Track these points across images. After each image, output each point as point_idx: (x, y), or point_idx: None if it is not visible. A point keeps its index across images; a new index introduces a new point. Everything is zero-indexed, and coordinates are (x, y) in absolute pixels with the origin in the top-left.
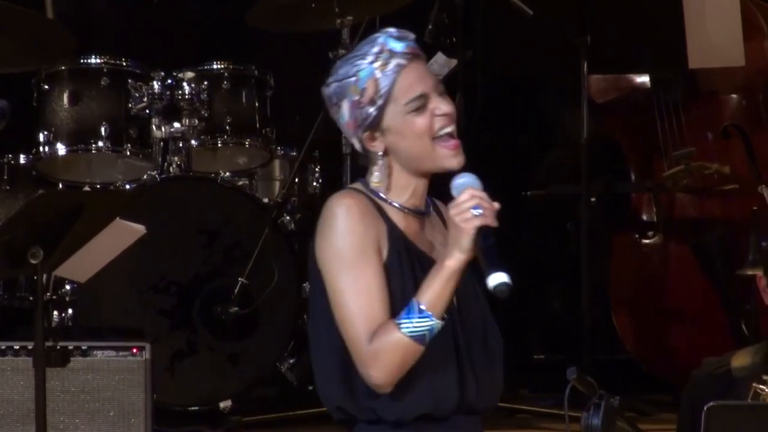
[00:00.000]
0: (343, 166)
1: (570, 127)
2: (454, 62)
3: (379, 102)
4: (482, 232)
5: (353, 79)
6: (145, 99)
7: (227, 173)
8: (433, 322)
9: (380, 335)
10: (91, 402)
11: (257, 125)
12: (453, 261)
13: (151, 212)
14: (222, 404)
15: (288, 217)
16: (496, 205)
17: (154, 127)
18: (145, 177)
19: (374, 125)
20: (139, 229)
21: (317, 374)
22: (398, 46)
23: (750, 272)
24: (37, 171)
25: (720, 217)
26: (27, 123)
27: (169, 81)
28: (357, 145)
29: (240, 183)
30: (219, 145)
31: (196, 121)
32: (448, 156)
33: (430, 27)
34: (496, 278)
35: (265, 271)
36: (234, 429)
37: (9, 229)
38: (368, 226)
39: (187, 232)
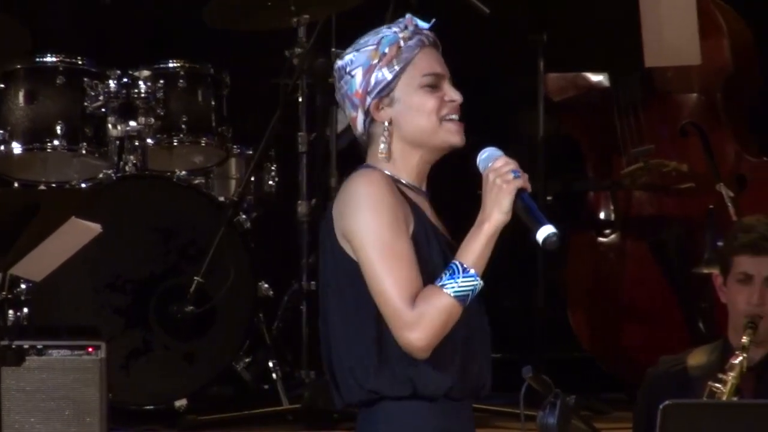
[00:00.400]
0: (299, 164)
1: (527, 126)
2: None
3: (396, 68)
4: (519, 194)
5: (374, 45)
6: (101, 98)
7: (183, 172)
8: (477, 282)
9: (424, 298)
10: (46, 401)
11: (213, 124)
12: (493, 222)
13: (106, 211)
14: (177, 403)
15: (244, 216)
16: (525, 174)
17: (110, 125)
18: (100, 176)
19: (385, 92)
20: (95, 227)
21: (342, 357)
22: (425, 26)
23: (706, 270)
24: None
25: (677, 216)
26: None
27: (125, 79)
28: (360, 120)
29: (196, 182)
30: (175, 143)
31: (152, 120)
32: (453, 131)
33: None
34: (545, 230)
35: (220, 269)
36: (189, 428)
37: None
38: (396, 198)
39: (142, 231)
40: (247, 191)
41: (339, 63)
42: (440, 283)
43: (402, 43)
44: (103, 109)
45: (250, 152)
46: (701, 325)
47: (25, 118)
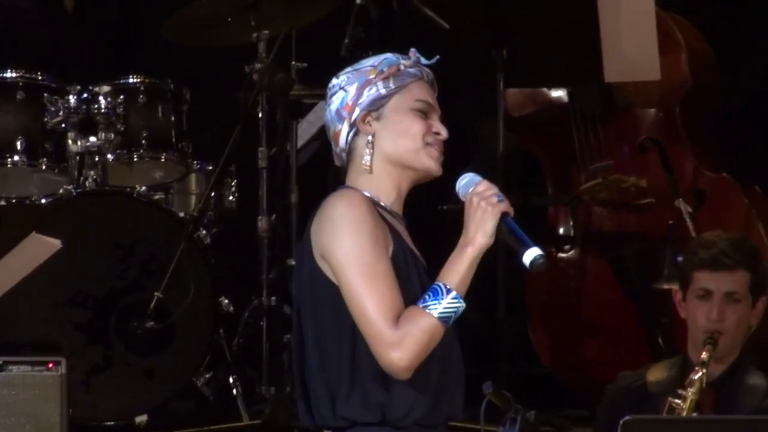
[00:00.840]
0: (259, 180)
1: (486, 141)
2: None
3: (392, 86)
4: (503, 218)
5: (375, 64)
6: (61, 113)
7: (143, 187)
8: (461, 304)
9: (407, 319)
10: (6, 417)
11: (173, 139)
12: (476, 245)
13: (67, 226)
14: (138, 419)
15: (204, 232)
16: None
17: (70, 141)
18: (61, 191)
19: (375, 106)
20: (55, 243)
21: (316, 379)
22: (426, 63)
23: (666, 286)
24: None
25: (637, 231)
26: None
27: (85, 95)
28: (344, 133)
29: (156, 197)
30: (135, 159)
31: (113, 135)
32: (434, 157)
33: (346, 41)
34: (532, 253)
35: (181, 285)
36: None
37: None
38: (377, 220)
39: (103, 246)
40: (207, 207)
41: (333, 81)
42: (423, 304)
43: (402, 67)
44: (63, 125)
45: (210, 168)
46: (661, 340)
47: None
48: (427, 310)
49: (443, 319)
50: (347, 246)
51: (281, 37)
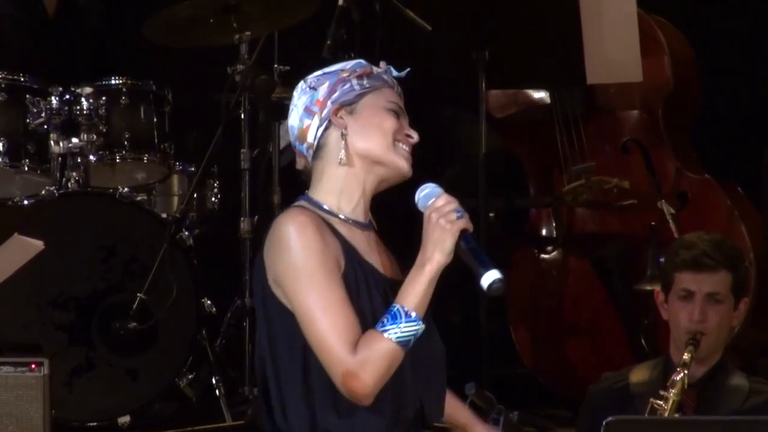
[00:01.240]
0: (241, 181)
1: (469, 142)
2: None
3: (366, 84)
4: (462, 235)
5: (348, 66)
6: (44, 114)
7: (126, 188)
8: (420, 326)
9: (365, 345)
10: None
11: (156, 140)
12: (434, 263)
13: (49, 228)
14: (120, 420)
15: (186, 233)
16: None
17: (52, 142)
18: (43, 192)
19: (349, 101)
20: (38, 244)
21: (273, 397)
22: (398, 74)
23: (648, 287)
24: None
25: (619, 232)
26: None
27: (68, 96)
28: (313, 127)
29: (138, 198)
30: (117, 160)
31: (95, 137)
32: (404, 156)
33: (328, 42)
34: (490, 276)
35: (163, 286)
36: None
37: None
38: (325, 241)
39: (85, 248)
40: (189, 208)
41: (301, 84)
42: (381, 328)
43: (375, 70)
44: (45, 126)
45: (193, 169)
46: (643, 341)
47: None
48: (386, 335)
49: (402, 342)
50: (297, 273)
51: (263, 38)
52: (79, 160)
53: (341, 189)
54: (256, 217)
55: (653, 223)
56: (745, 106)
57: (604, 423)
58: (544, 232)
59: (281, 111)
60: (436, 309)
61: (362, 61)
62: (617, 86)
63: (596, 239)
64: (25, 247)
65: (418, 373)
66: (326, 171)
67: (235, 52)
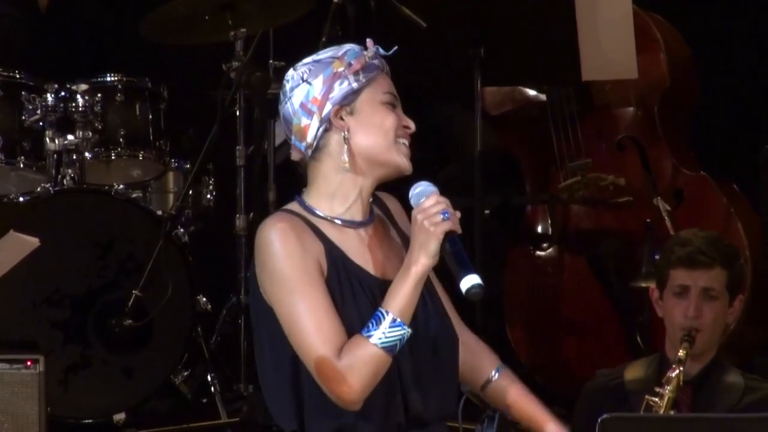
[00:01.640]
0: (237, 178)
1: (465, 140)
2: None
3: (363, 79)
4: (448, 237)
5: (337, 56)
6: (39, 111)
7: (121, 186)
8: (405, 331)
9: (350, 350)
10: None
11: (151, 138)
12: (419, 266)
13: (44, 225)
14: (116, 417)
15: (182, 230)
16: (457, 212)
17: (47, 139)
18: (38, 189)
19: (348, 100)
20: (33, 241)
21: (269, 401)
22: (385, 53)
23: (644, 284)
24: None
25: (615, 229)
26: None
27: (63, 93)
28: (313, 128)
29: (134, 195)
30: (113, 157)
31: (90, 134)
32: (405, 154)
33: (323, 40)
34: (469, 281)
35: (158, 283)
36: None
37: None
38: (306, 247)
39: (81, 245)
40: (185, 205)
41: (291, 73)
42: (366, 333)
43: (366, 58)
44: (40, 123)
45: (188, 166)
46: (638, 339)
47: None
48: (371, 340)
49: (387, 348)
50: (280, 280)
51: (258, 35)
52: (74, 157)
53: (336, 191)
54: (252, 214)
55: (649, 221)
56: (741, 103)
57: (599, 420)
58: (539, 229)
59: (276, 108)
60: None
61: (354, 47)
62: (613, 83)
63: (592, 236)
64: (21, 244)
65: (418, 372)
66: (323, 172)
67: (231, 49)
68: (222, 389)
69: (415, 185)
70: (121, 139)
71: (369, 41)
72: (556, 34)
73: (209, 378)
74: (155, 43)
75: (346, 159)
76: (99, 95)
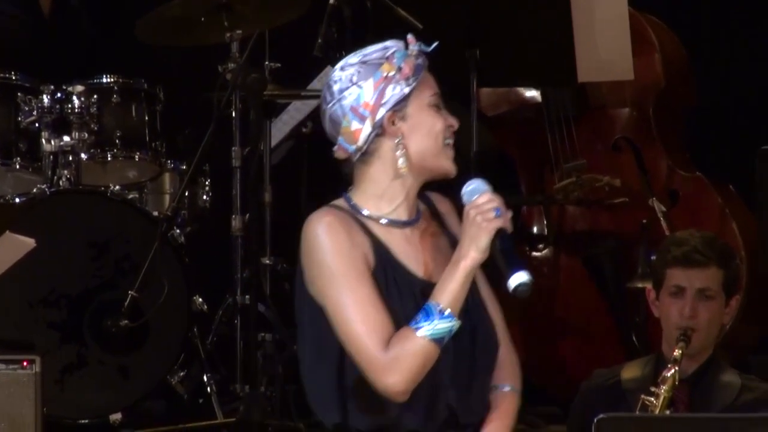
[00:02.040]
0: (233, 179)
1: (461, 141)
2: None
3: (413, 83)
4: (499, 234)
5: (385, 58)
6: (35, 112)
7: (117, 187)
8: (454, 323)
9: (398, 342)
10: None
11: (147, 139)
12: (469, 260)
13: (41, 225)
14: (112, 417)
15: (178, 231)
16: (510, 212)
17: (43, 140)
18: (34, 190)
19: (400, 106)
20: (29, 242)
21: (312, 396)
22: (427, 49)
23: (640, 285)
24: None
25: (610, 230)
26: None
27: (59, 94)
28: (365, 133)
29: (130, 196)
30: (109, 158)
31: (86, 135)
32: (451, 158)
33: (319, 41)
34: (518, 278)
35: (154, 284)
36: None
37: None
38: (353, 241)
39: (77, 245)
40: (181, 206)
41: (339, 74)
42: (415, 325)
43: (412, 59)
44: (36, 124)
45: (184, 167)
46: (635, 339)
47: None
48: (418, 332)
49: (436, 339)
50: (328, 273)
51: (254, 36)
52: (70, 159)
53: (384, 193)
54: (248, 214)
55: (644, 221)
56: (737, 104)
57: (595, 420)
58: (535, 230)
59: (272, 109)
60: None
61: (400, 46)
62: (609, 84)
63: (587, 237)
64: (17, 244)
65: (457, 371)
66: (372, 175)
67: (227, 50)
68: (218, 390)
69: (468, 182)
70: (117, 140)
71: (410, 37)
72: (552, 36)
73: (205, 378)
74: (151, 44)
75: (403, 164)
76: (95, 96)
